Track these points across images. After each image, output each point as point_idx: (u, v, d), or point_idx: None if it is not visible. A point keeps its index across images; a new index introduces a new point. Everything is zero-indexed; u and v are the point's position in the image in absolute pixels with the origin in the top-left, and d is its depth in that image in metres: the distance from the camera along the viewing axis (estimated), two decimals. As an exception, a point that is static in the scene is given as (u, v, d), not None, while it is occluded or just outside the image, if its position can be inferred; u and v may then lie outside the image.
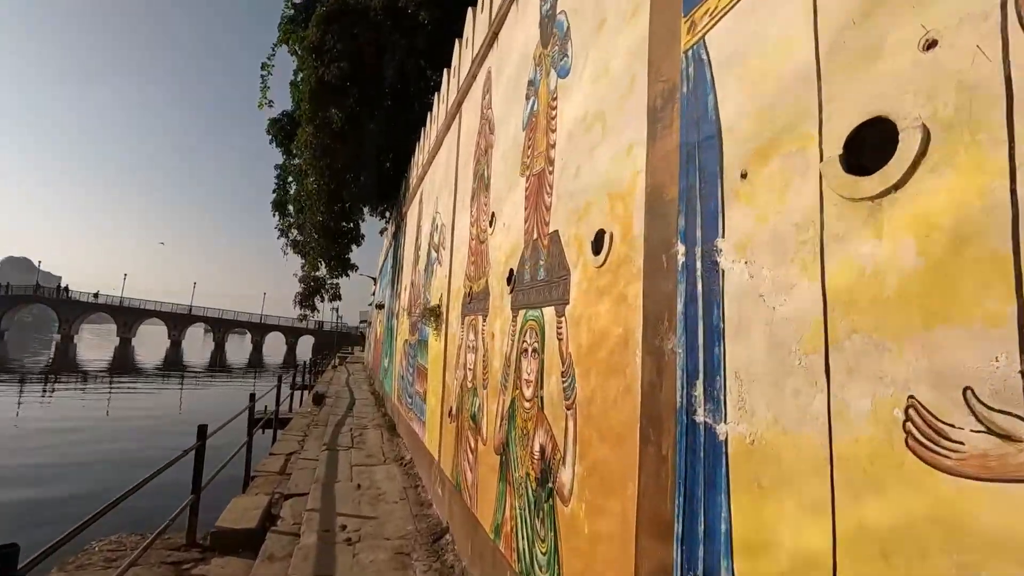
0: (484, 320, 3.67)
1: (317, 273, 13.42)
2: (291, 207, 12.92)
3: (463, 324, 4.33)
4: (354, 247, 14.02)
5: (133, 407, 17.97)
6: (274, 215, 13.52)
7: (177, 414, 16.54)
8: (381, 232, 16.58)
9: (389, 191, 13.18)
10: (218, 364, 44.49)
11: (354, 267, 14.32)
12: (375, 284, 25.33)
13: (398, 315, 10.08)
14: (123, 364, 38.45)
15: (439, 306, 5.47)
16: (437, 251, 6.01)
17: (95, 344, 58.62)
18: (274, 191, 13.71)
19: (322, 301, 13.81)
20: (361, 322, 58.52)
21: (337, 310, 43.32)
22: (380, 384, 13.96)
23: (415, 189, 8.67)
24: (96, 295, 62.07)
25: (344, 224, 13.17)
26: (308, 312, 13.66)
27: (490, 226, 3.73)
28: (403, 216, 10.37)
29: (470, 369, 3.94)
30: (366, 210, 14.75)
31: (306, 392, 18.67)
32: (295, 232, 12.96)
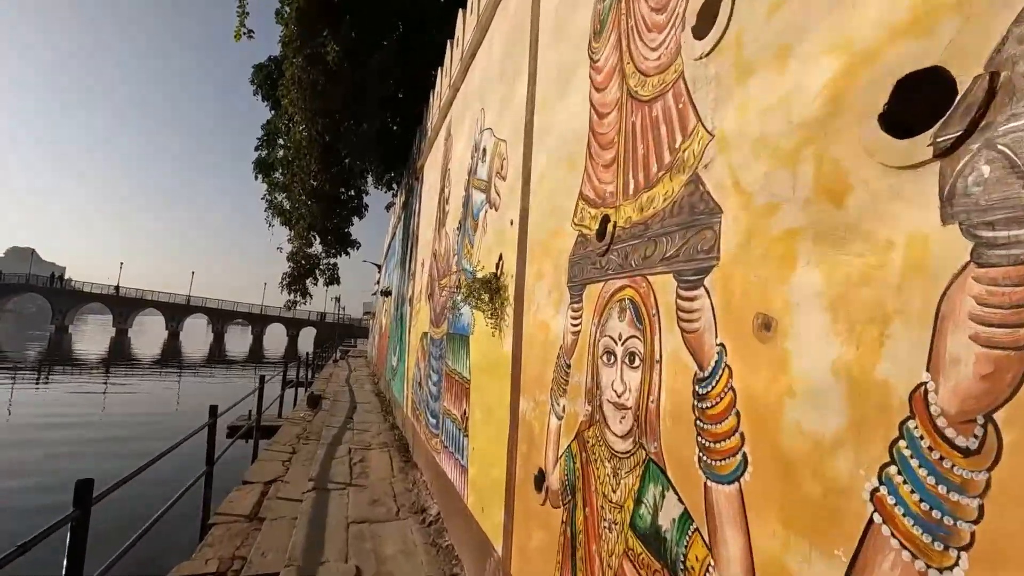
0: (688, 286, 1.36)
1: (310, 250, 11.08)
2: (280, 170, 10.45)
3: (579, 304, 2.02)
4: (355, 220, 11.61)
5: (110, 405, 15.83)
6: (257, 177, 11.09)
7: (161, 412, 14.36)
8: (388, 207, 14.25)
9: (396, 154, 10.87)
10: (217, 357, 42.69)
11: (355, 244, 11.93)
12: (379, 272, 23.06)
13: (411, 301, 7.79)
14: (118, 357, 36.47)
15: (497, 276, 3.17)
16: (487, 190, 3.70)
17: (92, 336, 56.71)
18: (257, 148, 11.26)
19: (315, 284, 11.49)
20: (365, 314, 56.36)
21: (339, 300, 41.02)
22: (386, 386, 11.71)
23: (437, 127, 6.34)
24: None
25: (343, 192, 10.78)
26: (299, 298, 11.33)
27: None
28: (418, 173, 8.04)
29: (626, 407, 1.63)
30: (370, 179, 12.41)
31: (303, 389, 16.53)
32: (280, 197, 10.52)
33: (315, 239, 10.95)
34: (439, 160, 6.10)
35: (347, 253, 11.86)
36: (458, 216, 4.67)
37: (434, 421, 4.97)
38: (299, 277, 10.99)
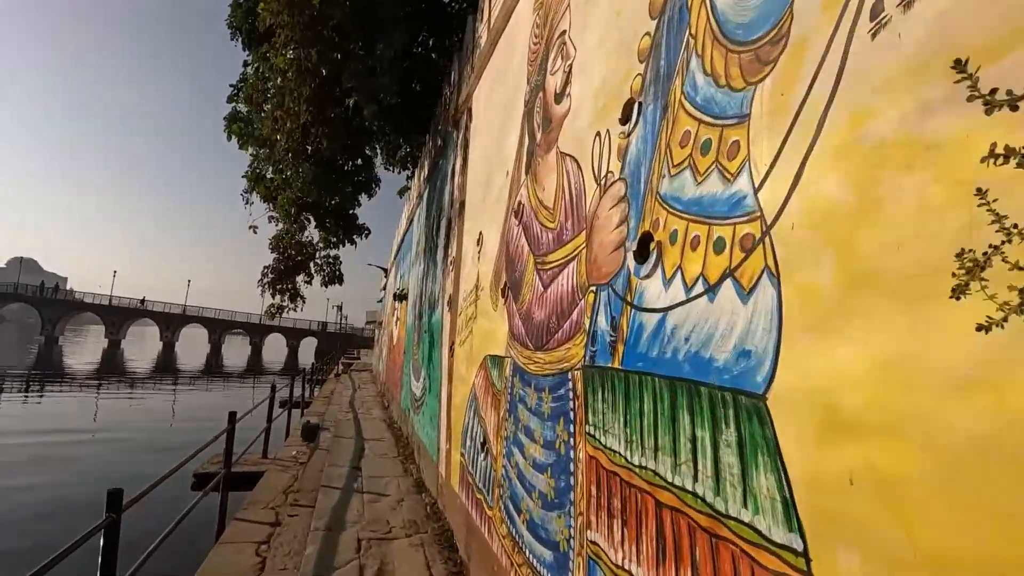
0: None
1: (303, 237, 8.25)
2: (257, 122, 7.51)
3: None
4: (364, 198, 8.78)
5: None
6: (229, 137, 8.15)
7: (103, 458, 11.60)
8: (400, 193, 11.63)
9: (414, 122, 8.29)
10: (214, 369, 40.27)
11: (363, 230, 9.09)
12: (386, 276, 20.43)
13: (451, 303, 5.14)
14: (110, 370, 33.91)
15: None
16: None
17: (84, 347, 54.15)
18: (231, 99, 8.24)
19: (308, 283, 8.58)
20: (368, 323, 53.58)
21: (341, 309, 38.19)
22: (402, 416, 9.02)
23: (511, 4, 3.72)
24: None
25: (347, 162, 8.03)
26: (286, 302, 8.43)
27: None
28: (457, 116, 5.42)
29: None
30: (379, 154, 9.77)
31: (300, 410, 13.83)
32: (258, 155, 7.60)
33: (308, 221, 8.19)
34: (516, 49, 3.46)
35: (353, 241, 9.01)
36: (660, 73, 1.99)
37: (550, 557, 2.28)
38: (286, 273, 8.12)
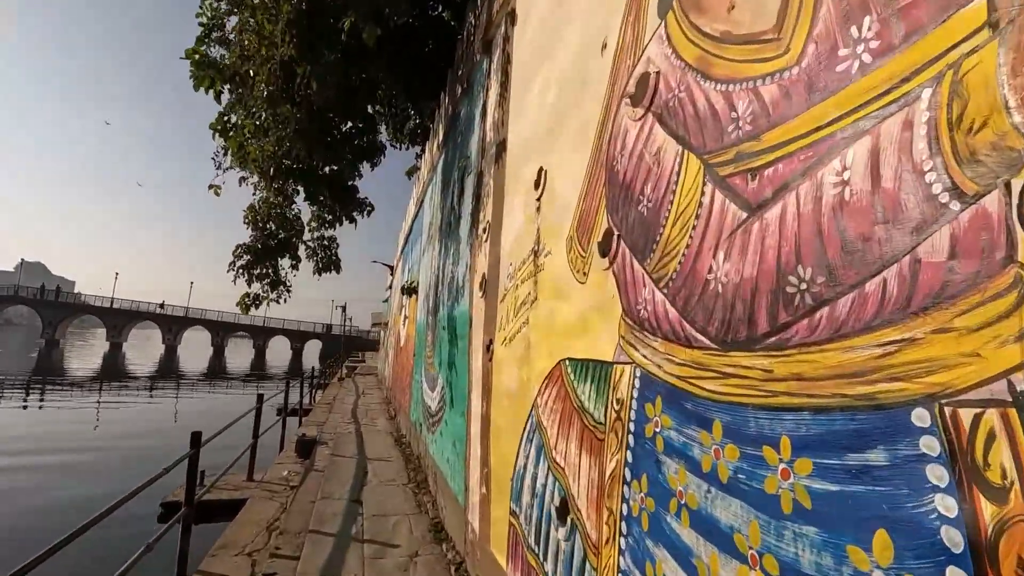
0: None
1: (288, 212, 6.61)
2: (228, 57, 5.68)
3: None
4: (366, 167, 7.24)
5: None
6: (196, 86, 6.08)
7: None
8: (409, 173, 10.21)
9: (428, 82, 6.91)
10: (217, 372, 39.23)
11: (365, 205, 7.48)
12: (392, 273, 19.06)
13: (484, 285, 3.70)
14: (109, 375, 32.81)
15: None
16: None
17: (86, 351, 53.19)
18: (203, 38, 6.33)
19: (295, 269, 6.90)
20: (374, 325, 52.16)
21: (345, 310, 36.70)
22: (413, 432, 7.58)
23: None
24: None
25: (342, 123, 6.49)
26: (265, 291, 6.72)
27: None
28: (491, 33, 4.00)
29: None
30: (386, 124, 8.36)
31: (299, 418, 12.44)
32: (227, 94, 5.87)
33: (297, 193, 6.63)
34: None
35: (352, 219, 7.41)
36: None
37: None
38: (265, 254, 6.47)
